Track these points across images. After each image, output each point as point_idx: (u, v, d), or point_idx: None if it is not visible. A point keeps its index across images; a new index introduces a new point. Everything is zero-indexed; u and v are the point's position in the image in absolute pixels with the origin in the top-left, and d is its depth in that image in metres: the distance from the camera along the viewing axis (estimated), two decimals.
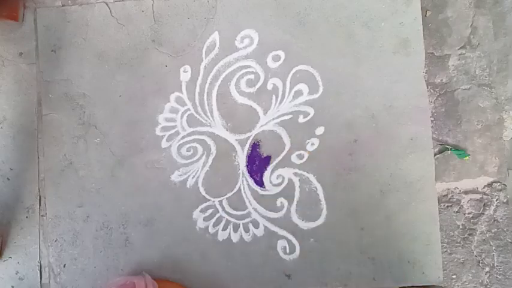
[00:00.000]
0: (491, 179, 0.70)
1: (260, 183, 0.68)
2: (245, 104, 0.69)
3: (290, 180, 0.68)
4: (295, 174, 0.68)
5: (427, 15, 0.70)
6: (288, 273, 0.67)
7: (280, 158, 0.68)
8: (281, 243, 0.68)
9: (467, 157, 0.69)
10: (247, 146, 0.69)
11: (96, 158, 0.68)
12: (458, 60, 0.70)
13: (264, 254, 0.68)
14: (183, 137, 0.69)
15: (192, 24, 0.69)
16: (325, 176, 0.68)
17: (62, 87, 0.69)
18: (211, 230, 0.68)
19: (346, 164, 0.68)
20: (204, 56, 0.69)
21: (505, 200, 0.70)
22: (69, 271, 0.68)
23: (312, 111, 0.69)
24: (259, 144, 0.69)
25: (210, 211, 0.68)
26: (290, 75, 0.69)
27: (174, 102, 0.69)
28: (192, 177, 0.68)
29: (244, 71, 0.69)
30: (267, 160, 0.68)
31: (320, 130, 0.68)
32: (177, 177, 0.68)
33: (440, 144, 0.70)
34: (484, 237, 0.69)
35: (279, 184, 0.68)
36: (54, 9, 0.70)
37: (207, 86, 0.69)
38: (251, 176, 0.68)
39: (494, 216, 0.70)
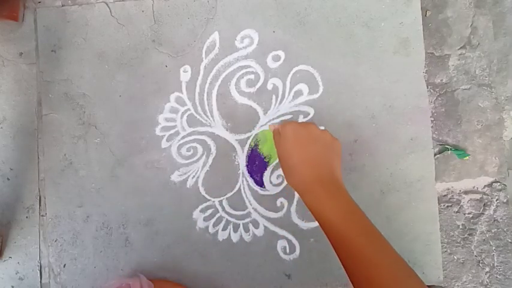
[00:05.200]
0: (491, 179, 0.70)
1: (260, 183, 0.68)
2: (245, 104, 0.69)
3: None
4: None
5: (427, 15, 0.70)
6: (288, 273, 0.67)
7: None
8: (281, 243, 0.68)
9: (467, 157, 0.69)
10: (247, 146, 0.69)
11: (96, 158, 0.68)
12: (458, 60, 0.70)
13: (264, 254, 0.68)
14: (183, 137, 0.69)
15: (192, 24, 0.69)
16: None
17: (62, 87, 0.69)
18: (211, 230, 0.68)
19: (346, 164, 0.68)
20: (204, 56, 0.69)
21: (505, 200, 0.70)
22: (69, 271, 0.68)
23: (312, 111, 0.69)
24: (259, 144, 0.69)
25: (210, 211, 0.68)
26: (290, 75, 0.69)
27: (174, 102, 0.69)
28: (192, 177, 0.68)
29: (244, 71, 0.69)
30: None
31: None
32: (177, 177, 0.68)
33: (440, 144, 0.70)
34: (484, 237, 0.69)
35: (279, 184, 0.68)
36: (54, 9, 0.70)
37: (207, 86, 0.69)
38: (251, 176, 0.68)
39: (494, 216, 0.70)
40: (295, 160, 0.51)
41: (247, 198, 0.68)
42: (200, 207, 0.68)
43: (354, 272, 0.44)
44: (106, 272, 0.68)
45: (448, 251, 0.69)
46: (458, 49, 0.70)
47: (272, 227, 0.68)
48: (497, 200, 0.70)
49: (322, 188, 0.49)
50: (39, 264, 0.68)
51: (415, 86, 0.69)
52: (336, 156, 0.53)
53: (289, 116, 0.68)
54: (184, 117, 0.69)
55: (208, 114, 0.69)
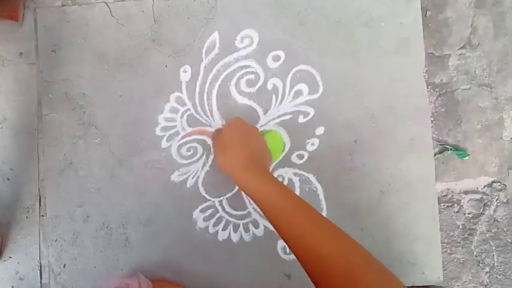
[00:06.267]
0: (491, 179, 0.70)
1: None
2: (245, 104, 0.69)
3: (290, 180, 0.68)
4: (295, 174, 0.68)
5: (427, 15, 0.70)
6: (288, 273, 0.67)
7: (280, 158, 0.68)
8: (281, 243, 0.68)
9: (467, 157, 0.69)
10: None
11: (96, 158, 0.68)
12: (458, 60, 0.70)
13: (264, 254, 0.68)
14: (183, 137, 0.69)
15: (192, 24, 0.69)
16: (325, 176, 0.68)
17: (62, 87, 0.69)
18: (211, 230, 0.68)
19: (346, 164, 0.68)
20: (204, 56, 0.69)
21: (505, 200, 0.70)
22: (69, 271, 0.68)
23: (312, 111, 0.69)
24: None
25: (210, 211, 0.68)
26: (290, 75, 0.69)
27: (174, 102, 0.69)
28: (192, 177, 0.68)
29: (244, 71, 0.69)
30: None
31: (320, 130, 0.69)
32: (177, 177, 0.68)
33: (441, 144, 0.70)
34: (484, 237, 0.69)
35: None
36: (54, 9, 0.70)
37: (207, 86, 0.69)
38: None
39: (494, 216, 0.70)
40: (232, 143, 0.55)
41: (247, 198, 0.68)
42: (200, 207, 0.68)
43: (293, 241, 0.47)
44: (106, 272, 0.68)
45: (448, 251, 0.69)
46: (458, 49, 0.70)
47: (272, 227, 0.68)
48: (497, 200, 0.70)
49: (256, 167, 0.53)
50: (39, 264, 0.68)
51: (415, 86, 0.69)
52: (268, 158, 0.58)
53: (289, 116, 0.69)
54: (184, 117, 0.69)
55: (208, 114, 0.69)
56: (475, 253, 0.69)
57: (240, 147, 0.54)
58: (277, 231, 0.49)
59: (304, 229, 0.46)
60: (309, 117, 0.69)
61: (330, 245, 0.44)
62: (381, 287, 0.40)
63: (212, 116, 0.69)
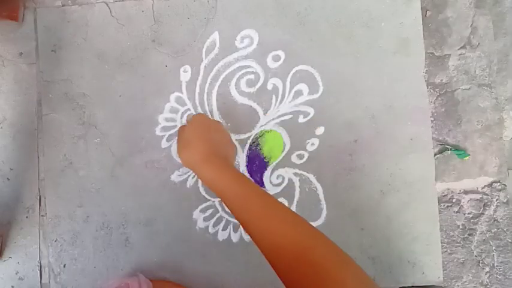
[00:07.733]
0: (491, 179, 0.70)
1: (260, 183, 0.68)
2: (245, 104, 0.69)
3: (290, 180, 0.68)
4: (295, 174, 0.68)
5: (427, 15, 0.70)
6: None
7: (280, 158, 0.68)
8: None
9: (467, 157, 0.69)
10: (247, 146, 0.69)
11: (96, 158, 0.68)
12: (458, 60, 0.70)
13: None
14: None
15: (192, 24, 0.69)
16: (325, 176, 0.68)
17: (62, 87, 0.69)
18: (211, 230, 0.68)
19: (346, 164, 0.68)
20: (204, 56, 0.69)
21: (505, 200, 0.70)
22: (69, 271, 0.68)
23: (312, 111, 0.69)
24: (259, 145, 0.69)
25: (210, 211, 0.68)
26: (290, 75, 0.69)
27: (174, 102, 0.69)
28: (192, 177, 0.68)
29: (244, 71, 0.69)
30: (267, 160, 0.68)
31: (320, 130, 0.69)
32: (177, 177, 0.68)
33: (440, 144, 0.70)
34: (484, 237, 0.69)
35: (279, 184, 0.68)
36: (54, 9, 0.70)
37: (207, 86, 0.69)
38: (251, 176, 0.68)
39: (494, 216, 0.70)
40: (193, 138, 0.55)
41: None
42: (200, 207, 0.68)
43: (253, 226, 0.48)
44: (106, 272, 0.68)
45: (448, 251, 0.69)
46: (458, 49, 0.70)
47: None
48: (497, 200, 0.70)
49: (217, 159, 0.53)
50: (39, 264, 0.68)
51: (415, 86, 0.69)
52: (231, 151, 0.58)
53: (289, 116, 0.69)
54: (184, 117, 0.69)
55: (208, 114, 0.69)
56: (475, 253, 0.69)
57: (201, 141, 0.55)
58: (239, 221, 0.49)
59: (261, 215, 0.47)
60: (309, 117, 0.69)
61: (287, 230, 0.44)
62: (335, 264, 0.41)
63: (212, 116, 0.69)
